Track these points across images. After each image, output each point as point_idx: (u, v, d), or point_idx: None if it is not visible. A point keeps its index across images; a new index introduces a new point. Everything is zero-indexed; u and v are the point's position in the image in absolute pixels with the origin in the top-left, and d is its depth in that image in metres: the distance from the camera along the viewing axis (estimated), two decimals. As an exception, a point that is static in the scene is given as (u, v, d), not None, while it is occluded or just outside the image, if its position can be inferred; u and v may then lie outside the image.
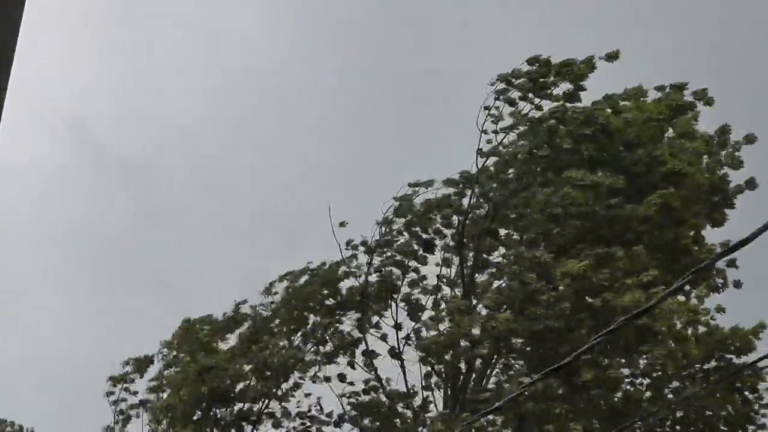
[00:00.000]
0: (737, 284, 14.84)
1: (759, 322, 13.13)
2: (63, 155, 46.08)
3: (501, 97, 15.64)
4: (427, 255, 16.31)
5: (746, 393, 13.38)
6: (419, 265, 16.30)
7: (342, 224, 16.45)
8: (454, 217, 16.17)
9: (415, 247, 16.32)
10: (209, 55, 45.39)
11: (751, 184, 14.98)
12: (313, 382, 16.89)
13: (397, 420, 15.77)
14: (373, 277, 16.40)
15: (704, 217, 15.07)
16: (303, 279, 16.70)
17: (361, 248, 16.53)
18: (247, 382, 16.90)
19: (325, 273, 16.59)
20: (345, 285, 16.68)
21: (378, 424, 15.94)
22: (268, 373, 16.44)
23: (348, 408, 16.46)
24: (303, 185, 39.13)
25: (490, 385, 14.96)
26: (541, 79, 15.41)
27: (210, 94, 41.25)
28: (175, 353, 17.79)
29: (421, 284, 16.18)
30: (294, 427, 17.09)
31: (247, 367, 16.82)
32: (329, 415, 16.98)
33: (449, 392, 15.20)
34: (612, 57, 15.31)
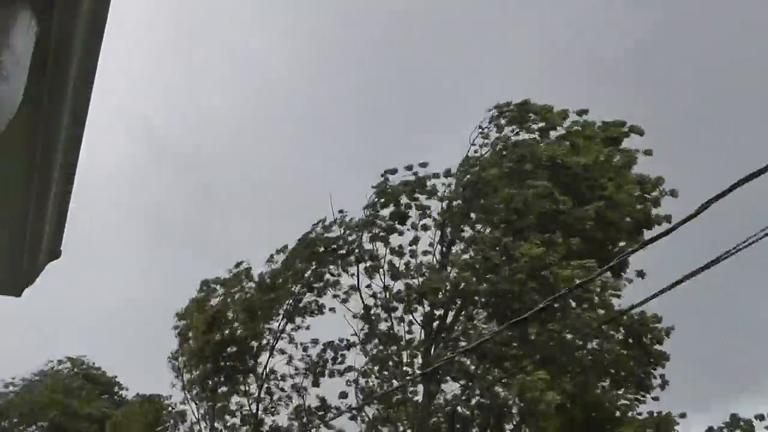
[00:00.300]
0: (641, 274, 19.04)
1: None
2: (133, 147, 56.31)
3: (493, 122, 20.44)
4: (401, 226, 20.75)
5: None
6: (399, 236, 20.76)
7: (341, 211, 21.58)
8: (437, 201, 20.65)
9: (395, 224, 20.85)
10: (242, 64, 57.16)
11: (668, 218, 18.84)
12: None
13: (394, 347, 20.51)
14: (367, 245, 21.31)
15: (629, 235, 19.40)
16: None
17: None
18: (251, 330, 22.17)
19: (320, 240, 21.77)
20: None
21: (381, 347, 20.77)
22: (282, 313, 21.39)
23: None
24: (316, 175, 45.76)
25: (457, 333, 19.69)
26: (527, 114, 20.25)
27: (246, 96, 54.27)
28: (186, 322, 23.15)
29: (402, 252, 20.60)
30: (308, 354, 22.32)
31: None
32: (341, 340, 22.23)
33: (427, 334, 19.76)
34: (582, 112, 20.18)
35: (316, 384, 21.91)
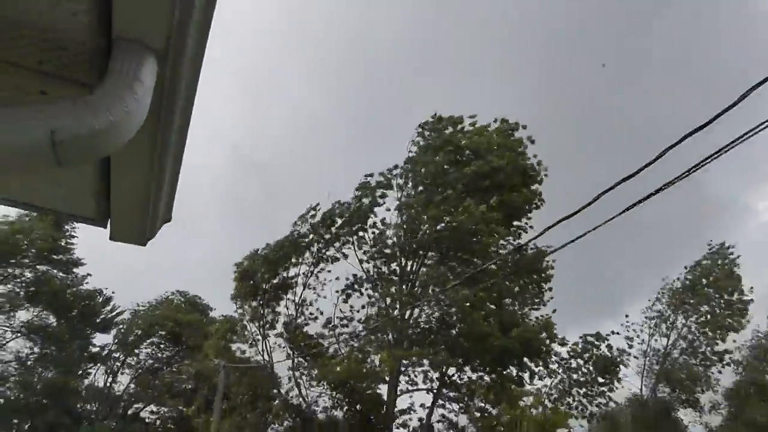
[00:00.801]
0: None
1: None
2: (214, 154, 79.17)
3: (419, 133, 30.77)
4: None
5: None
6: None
7: (338, 201, 30.59)
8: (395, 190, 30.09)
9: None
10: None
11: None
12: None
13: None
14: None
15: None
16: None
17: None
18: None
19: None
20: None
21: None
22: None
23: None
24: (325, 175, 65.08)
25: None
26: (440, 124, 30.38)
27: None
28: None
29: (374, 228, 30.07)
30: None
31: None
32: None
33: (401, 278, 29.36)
34: (472, 116, 30.26)
35: (345, 301, 30.09)
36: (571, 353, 30.80)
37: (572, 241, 8.99)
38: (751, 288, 39.03)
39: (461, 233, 26.45)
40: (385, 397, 28.54)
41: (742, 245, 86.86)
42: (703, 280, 39.50)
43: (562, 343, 29.43)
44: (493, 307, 26.50)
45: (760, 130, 5.92)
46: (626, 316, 41.51)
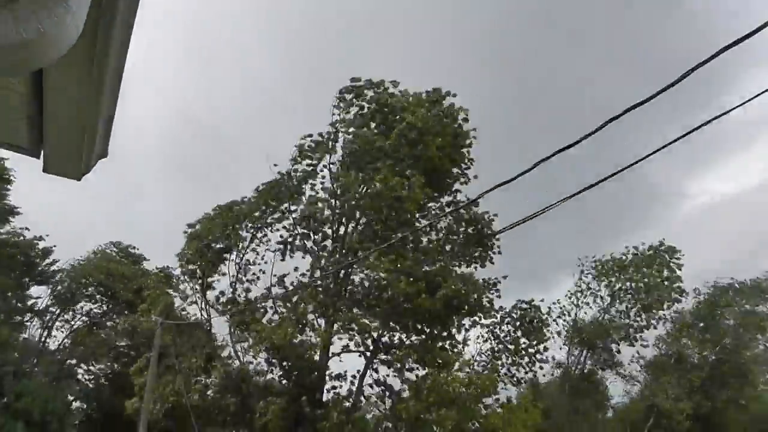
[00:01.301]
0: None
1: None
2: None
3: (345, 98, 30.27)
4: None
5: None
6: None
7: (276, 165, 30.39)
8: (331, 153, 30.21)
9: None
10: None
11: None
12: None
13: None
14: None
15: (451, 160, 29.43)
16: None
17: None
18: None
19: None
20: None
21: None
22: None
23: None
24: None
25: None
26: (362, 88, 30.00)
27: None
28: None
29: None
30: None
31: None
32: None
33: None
34: (394, 81, 30.28)
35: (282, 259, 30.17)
36: (504, 316, 31.96)
37: (523, 220, 9.13)
38: (684, 292, 41.06)
39: (384, 201, 26.77)
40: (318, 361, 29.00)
41: (675, 226, 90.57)
42: (644, 269, 41.02)
43: (491, 304, 30.01)
44: (420, 270, 26.85)
45: (706, 124, 6.11)
46: (568, 291, 42.70)
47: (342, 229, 30.10)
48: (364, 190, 28.30)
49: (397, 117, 28.95)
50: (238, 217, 30.63)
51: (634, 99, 5.93)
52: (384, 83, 30.11)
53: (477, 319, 29.61)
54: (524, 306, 32.36)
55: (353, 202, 28.45)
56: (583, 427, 41.87)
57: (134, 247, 44.47)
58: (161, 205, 79.60)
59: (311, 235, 30.03)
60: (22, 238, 38.23)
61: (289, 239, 30.20)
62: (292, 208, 30.32)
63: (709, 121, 6.30)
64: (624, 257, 42.07)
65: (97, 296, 41.72)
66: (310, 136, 30.30)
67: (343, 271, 29.30)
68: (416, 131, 28.00)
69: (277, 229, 30.72)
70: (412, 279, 26.20)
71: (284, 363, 28.08)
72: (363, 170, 28.24)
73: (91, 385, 39.35)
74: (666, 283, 40.27)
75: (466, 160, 30.20)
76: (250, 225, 30.97)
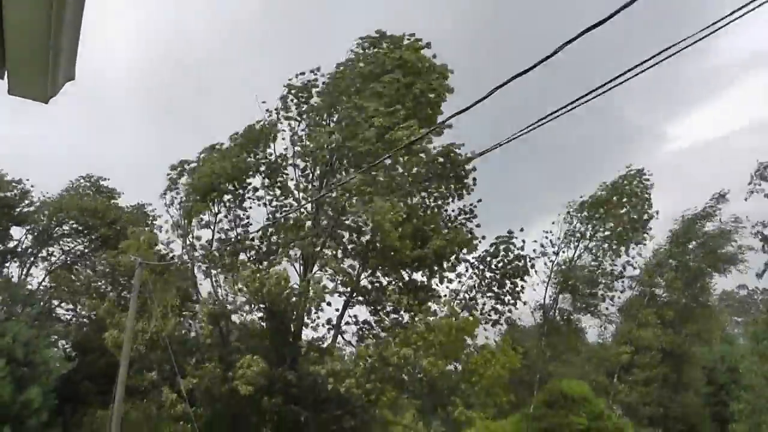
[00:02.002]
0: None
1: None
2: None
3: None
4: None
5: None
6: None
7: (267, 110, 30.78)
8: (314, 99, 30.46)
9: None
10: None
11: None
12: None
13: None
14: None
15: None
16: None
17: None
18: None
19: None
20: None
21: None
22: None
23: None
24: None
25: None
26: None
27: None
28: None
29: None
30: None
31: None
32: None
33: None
34: (411, 35, 29.64)
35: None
36: (484, 255, 32.01)
37: (488, 150, 9.20)
38: (657, 212, 41.28)
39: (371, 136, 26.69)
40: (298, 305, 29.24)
41: (653, 168, 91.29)
42: (614, 198, 41.39)
43: (474, 249, 30.89)
44: (405, 216, 26.72)
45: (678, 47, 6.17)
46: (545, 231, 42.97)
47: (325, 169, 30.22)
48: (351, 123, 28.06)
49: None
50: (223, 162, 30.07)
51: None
52: (402, 39, 29.67)
53: (461, 255, 30.25)
54: (504, 240, 32.32)
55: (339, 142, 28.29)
56: (559, 368, 42.96)
57: (105, 179, 42.93)
58: (134, 140, 80.00)
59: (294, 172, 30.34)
60: None
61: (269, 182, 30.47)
62: (270, 151, 30.42)
63: (678, 45, 6.38)
64: (599, 194, 42.47)
65: (73, 234, 41.09)
66: (303, 74, 30.34)
67: (331, 214, 29.44)
68: (406, 68, 28.42)
69: (259, 172, 30.74)
70: (401, 228, 26.39)
71: (265, 305, 28.40)
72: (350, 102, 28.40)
73: (72, 324, 39.48)
74: (634, 199, 41.01)
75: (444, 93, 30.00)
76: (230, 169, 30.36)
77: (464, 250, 30.19)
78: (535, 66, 6.49)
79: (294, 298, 27.23)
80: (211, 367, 25.73)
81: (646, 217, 41.16)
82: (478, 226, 30.93)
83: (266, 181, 30.75)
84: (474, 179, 30.21)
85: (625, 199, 41.31)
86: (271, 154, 30.62)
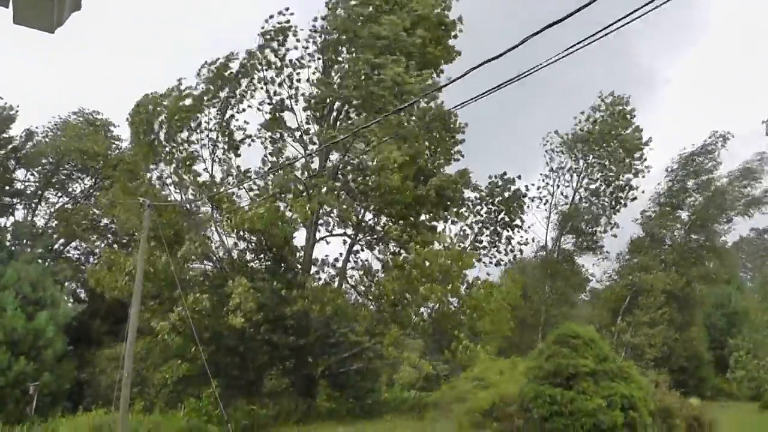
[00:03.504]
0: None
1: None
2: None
3: None
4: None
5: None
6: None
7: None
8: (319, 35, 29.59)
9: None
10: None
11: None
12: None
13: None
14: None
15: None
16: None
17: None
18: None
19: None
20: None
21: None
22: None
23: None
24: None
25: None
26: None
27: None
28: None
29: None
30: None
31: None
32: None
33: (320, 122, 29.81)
34: None
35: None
36: (482, 194, 32.00)
37: (491, 90, 8.96)
38: (650, 138, 40.84)
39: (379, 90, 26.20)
40: (301, 244, 29.77)
41: (660, 112, 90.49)
42: (597, 127, 41.11)
43: (475, 188, 31.16)
44: (407, 159, 26.57)
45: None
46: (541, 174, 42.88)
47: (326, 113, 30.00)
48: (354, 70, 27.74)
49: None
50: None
51: None
52: None
53: (462, 194, 30.44)
54: (499, 181, 32.21)
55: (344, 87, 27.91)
56: (563, 310, 43.25)
57: (98, 112, 42.14)
58: (125, 70, 79.00)
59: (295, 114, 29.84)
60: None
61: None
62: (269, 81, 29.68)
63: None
64: (583, 128, 42.12)
65: (75, 175, 41.18)
66: (271, 17, 29.28)
67: (332, 154, 29.45)
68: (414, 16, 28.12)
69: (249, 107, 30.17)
70: (403, 170, 26.44)
71: (265, 245, 28.73)
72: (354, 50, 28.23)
73: (81, 264, 39.73)
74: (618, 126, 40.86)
75: (452, 55, 30.07)
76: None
77: (464, 190, 30.36)
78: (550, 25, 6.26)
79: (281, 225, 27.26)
80: (201, 299, 25.28)
81: (637, 141, 40.81)
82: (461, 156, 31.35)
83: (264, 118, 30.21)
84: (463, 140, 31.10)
85: (610, 130, 41.01)
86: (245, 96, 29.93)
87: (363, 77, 26.81)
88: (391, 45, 26.96)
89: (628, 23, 6.45)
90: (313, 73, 29.84)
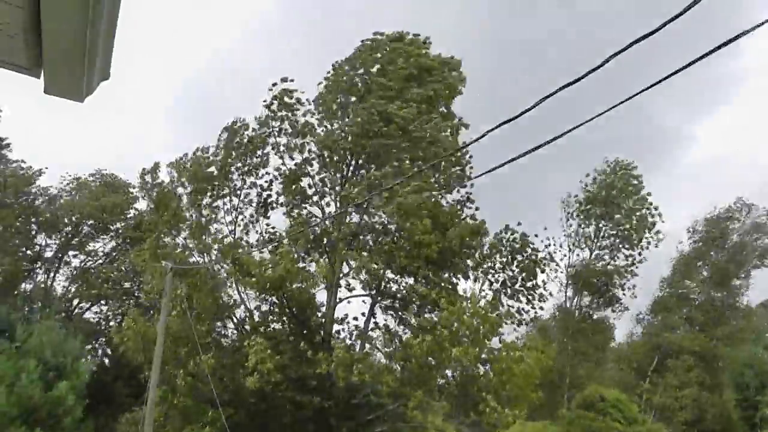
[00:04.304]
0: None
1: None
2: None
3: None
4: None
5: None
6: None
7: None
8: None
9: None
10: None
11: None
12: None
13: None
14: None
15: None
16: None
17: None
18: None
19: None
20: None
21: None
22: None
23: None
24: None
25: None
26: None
27: None
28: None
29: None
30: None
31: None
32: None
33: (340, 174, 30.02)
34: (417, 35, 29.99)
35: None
36: (500, 250, 31.39)
37: (511, 160, 8.92)
38: (657, 207, 41.00)
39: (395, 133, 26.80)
40: (323, 303, 29.25)
41: (682, 169, 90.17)
42: (603, 192, 41.39)
43: (493, 245, 30.85)
44: (426, 211, 26.76)
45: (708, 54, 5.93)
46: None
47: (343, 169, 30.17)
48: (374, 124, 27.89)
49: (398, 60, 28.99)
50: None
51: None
52: (404, 37, 29.73)
53: (479, 260, 30.08)
54: (511, 236, 31.59)
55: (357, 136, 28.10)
56: (588, 371, 42.50)
57: (114, 176, 42.03)
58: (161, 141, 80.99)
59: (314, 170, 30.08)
60: (21, 172, 38.19)
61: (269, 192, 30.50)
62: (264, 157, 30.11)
63: (707, 54, 6.11)
64: (591, 190, 42.32)
65: (95, 234, 41.00)
66: (292, 80, 29.61)
67: (351, 215, 29.39)
68: (415, 69, 28.50)
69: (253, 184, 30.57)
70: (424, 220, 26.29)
71: (286, 304, 28.32)
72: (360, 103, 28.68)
73: (99, 326, 39.71)
74: (635, 198, 40.80)
75: (460, 87, 30.20)
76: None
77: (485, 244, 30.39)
78: (572, 83, 6.27)
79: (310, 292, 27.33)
80: (209, 361, 25.05)
81: (645, 212, 41.01)
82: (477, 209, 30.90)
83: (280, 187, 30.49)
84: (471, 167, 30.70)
85: (616, 194, 41.26)
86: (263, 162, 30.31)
87: (374, 126, 27.19)
88: (400, 94, 27.59)
89: (653, 85, 6.46)
90: (325, 135, 30.12)
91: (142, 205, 39.57)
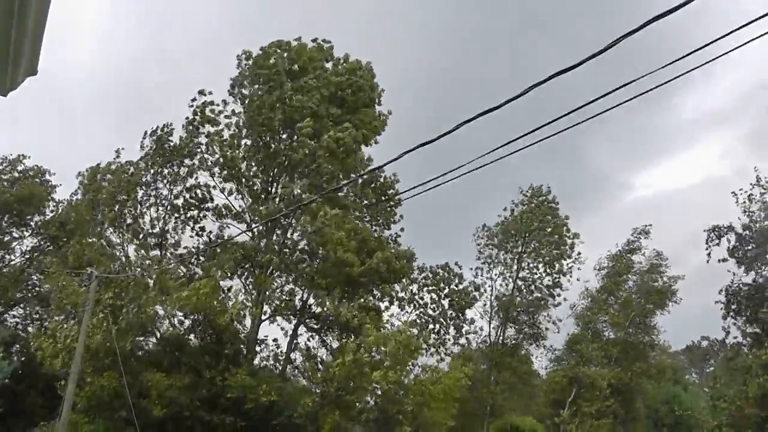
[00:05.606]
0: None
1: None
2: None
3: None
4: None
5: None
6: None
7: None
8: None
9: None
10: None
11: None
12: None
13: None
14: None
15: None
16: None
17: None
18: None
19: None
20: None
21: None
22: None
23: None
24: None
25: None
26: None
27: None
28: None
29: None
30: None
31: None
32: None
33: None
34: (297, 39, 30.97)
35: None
36: (426, 281, 32.68)
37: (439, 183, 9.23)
38: (577, 234, 42.07)
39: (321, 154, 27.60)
40: (243, 326, 29.21)
41: (617, 215, 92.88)
42: (522, 220, 42.44)
43: (421, 270, 32.13)
44: (349, 227, 27.75)
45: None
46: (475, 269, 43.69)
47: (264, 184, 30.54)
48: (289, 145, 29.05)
49: (314, 75, 29.81)
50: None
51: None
52: (289, 44, 30.72)
53: (404, 284, 30.85)
54: (438, 270, 32.98)
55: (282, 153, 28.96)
56: (508, 400, 43.10)
57: (26, 156, 38.91)
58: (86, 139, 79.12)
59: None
60: None
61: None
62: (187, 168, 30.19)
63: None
64: (507, 220, 43.61)
65: (13, 226, 38.37)
66: (210, 93, 30.02)
67: (274, 232, 29.53)
68: (334, 87, 29.46)
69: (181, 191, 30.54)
70: (347, 242, 26.80)
71: (204, 326, 28.11)
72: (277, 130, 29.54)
73: (17, 330, 37.58)
74: (554, 223, 42.24)
75: (384, 119, 31.28)
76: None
77: (412, 270, 30.98)
78: (494, 109, 6.68)
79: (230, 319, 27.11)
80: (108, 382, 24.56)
81: (565, 236, 42.16)
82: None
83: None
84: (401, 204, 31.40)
85: (534, 221, 42.26)
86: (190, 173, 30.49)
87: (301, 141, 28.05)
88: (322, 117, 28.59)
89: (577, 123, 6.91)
90: (246, 151, 30.49)
91: (62, 194, 38.09)
